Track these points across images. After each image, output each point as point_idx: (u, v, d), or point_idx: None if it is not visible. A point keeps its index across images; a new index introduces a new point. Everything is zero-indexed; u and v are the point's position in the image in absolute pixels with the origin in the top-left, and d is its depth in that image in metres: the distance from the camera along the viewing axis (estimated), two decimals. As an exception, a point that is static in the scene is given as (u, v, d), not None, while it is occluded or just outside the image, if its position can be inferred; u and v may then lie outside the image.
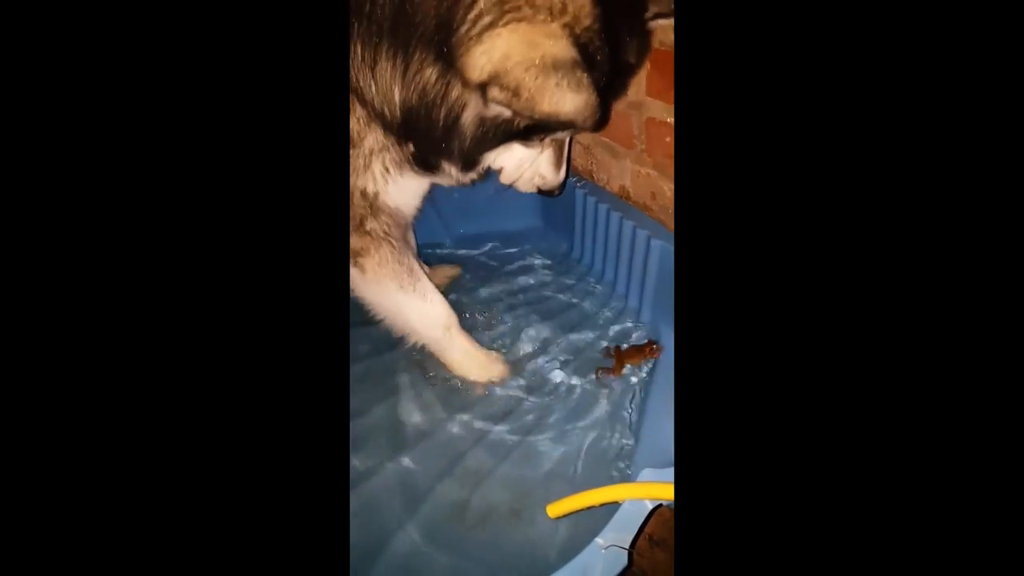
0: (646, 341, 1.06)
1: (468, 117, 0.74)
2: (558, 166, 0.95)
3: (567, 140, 0.95)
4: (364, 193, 0.89)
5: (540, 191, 0.99)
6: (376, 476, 0.90)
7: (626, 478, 0.84)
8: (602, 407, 1.00)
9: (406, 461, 0.93)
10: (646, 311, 1.16)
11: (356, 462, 0.91)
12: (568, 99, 0.63)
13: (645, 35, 0.80)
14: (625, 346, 1.07)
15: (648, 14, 0.78)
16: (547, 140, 0.89)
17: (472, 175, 0.89)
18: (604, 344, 1.12)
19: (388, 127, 0.79)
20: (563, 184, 0.99)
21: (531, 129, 0.78)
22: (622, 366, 1.03)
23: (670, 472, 0.66)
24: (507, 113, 0.72)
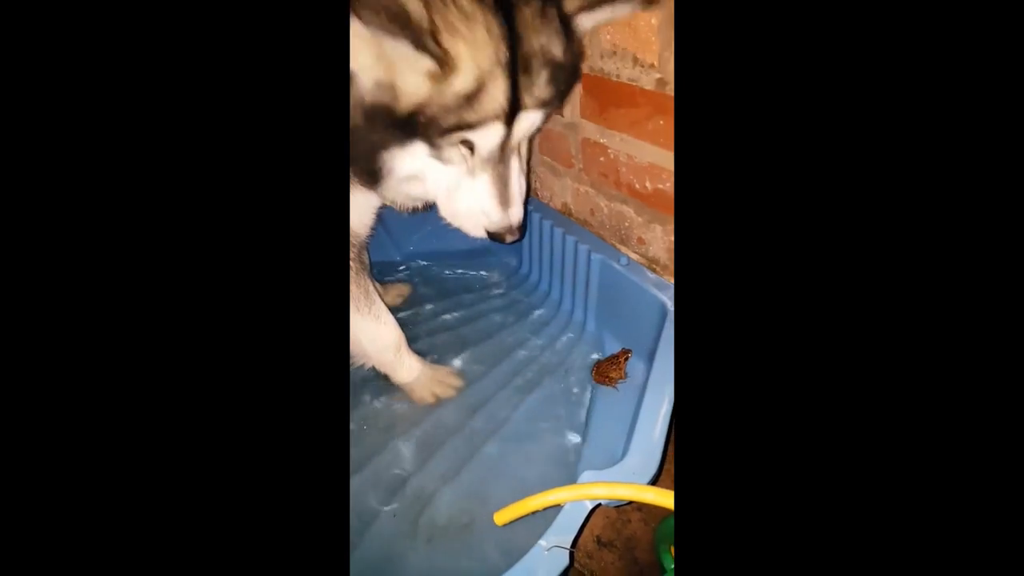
0: (620, 351, 1.08)
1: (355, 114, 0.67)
2: (504, 203, 0.79)
3: (511, 170, 0.79)
4: None
5: (491, 236, 0.83)
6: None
7: (570, 482, 0.89)
8: (549, 416, 1.04)
9: (356, 480, 0.95)
10: (590, 321, 1.23)
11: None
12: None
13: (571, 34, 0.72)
14: (599, 360, 1.11)
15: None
16: (472, 158, 0.74)
17: (385, 191, 0.81)
18: (549, 353, 1.18)
19: None
20: (521, 228, 0.83)
21: (419, 123, 0.67)
22: (611, 378, 1.06)
23: (608, 473, 0.71)
24: (385, 98, 0.66)
